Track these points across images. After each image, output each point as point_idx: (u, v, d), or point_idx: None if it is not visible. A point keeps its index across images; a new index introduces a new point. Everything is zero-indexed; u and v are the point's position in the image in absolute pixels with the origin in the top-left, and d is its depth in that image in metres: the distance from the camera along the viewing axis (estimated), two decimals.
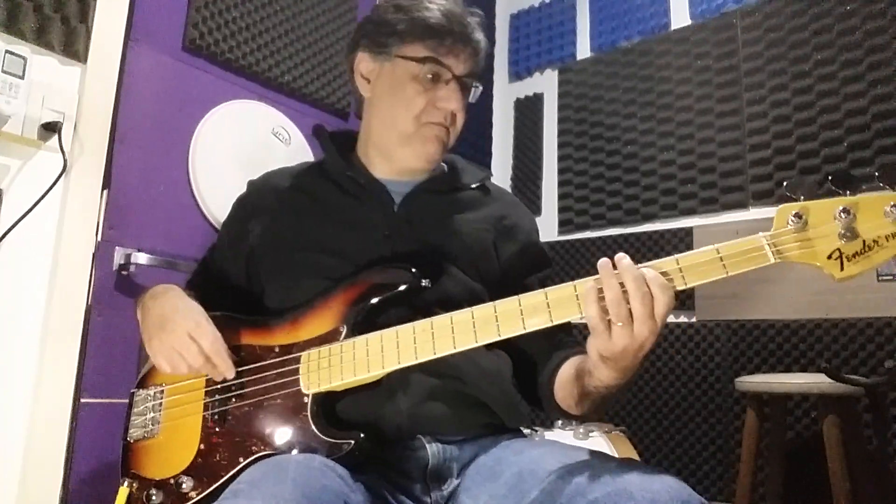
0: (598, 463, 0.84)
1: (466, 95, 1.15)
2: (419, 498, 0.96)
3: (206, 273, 1.25)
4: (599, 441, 2.02)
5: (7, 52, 1.44)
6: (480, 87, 1.17)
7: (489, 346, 1.06)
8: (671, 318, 2.74)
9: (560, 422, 2.20)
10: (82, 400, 1.56)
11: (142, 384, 1.12)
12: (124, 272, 1.67)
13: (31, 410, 1.48)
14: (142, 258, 1.68)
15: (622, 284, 0.79)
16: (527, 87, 3.47)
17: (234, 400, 1.01)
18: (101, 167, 1.65)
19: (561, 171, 3.22)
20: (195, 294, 1.13)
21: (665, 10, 3.02)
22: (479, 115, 3.32)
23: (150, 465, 1.04)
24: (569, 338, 1.10)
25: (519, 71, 3.50)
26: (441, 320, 0.90)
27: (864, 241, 0.75)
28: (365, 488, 0.86)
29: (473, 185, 1.19)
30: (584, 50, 3.28)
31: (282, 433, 0.95)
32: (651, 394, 2.71)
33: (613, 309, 0.78)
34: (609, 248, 2.90)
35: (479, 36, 1.14)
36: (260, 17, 2.10)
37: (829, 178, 0.78)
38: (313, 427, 0.93)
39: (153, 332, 1.03)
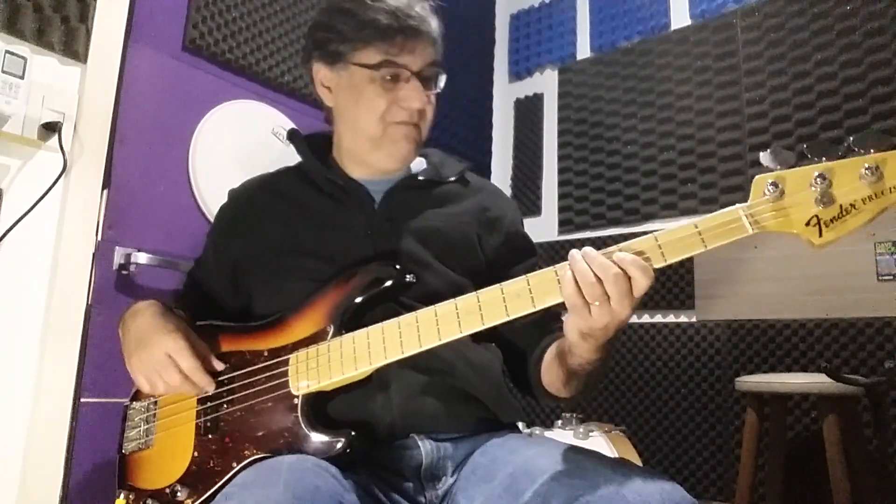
0: (591, 464, 0.83)
1: (431, 87, 1.12)
2: (413, 497, 0.96)
3: (195, 285, 1.25)
4: (599, 441, 2.03)
5: (7, 52, 1.44)
6: (444, 75, 1.14)
7: (479, 340, 1.06)
8: (671, 318, 2.75)
9: (560, 421, 2.20)
10: (82, 400, 1.56)
11: (135, 397, 1.13)
12: (124, 272, 1.67)
13: (31, 410, 1.48)
14: (142, 258, 1.68)
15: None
16: (527, 87, 3.47)
17: (225, 406, 1.01)
18: (101, 167, 1.65)
19: (561, 171, 3.22)
20: (184, 306, 1.13)
21: (665, 10, 3.02)
22: (479, 115, 3.32)
23: (146, 476, 1.05)
24: (557, 325, 1.08)
25: (519, 71, 3.50)
26: (425, 313, 0.90)
27: (840, 206, 0.75)
28: (358, 488, 0.86)
29: (452, 178, 1.19)
30: (584, 50, 3.28)
31: (274, 436, 0.95)
32: (651, 394, 2.71)
33: (587, 290, 0.79)
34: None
35: (432, 24, 1.11)
36: (260, 17, 2.10)
37: (805, 146, 0.78)
38: (305, 428, 0.93)
39: (132, 350, 1.04)
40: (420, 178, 1.17)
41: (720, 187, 2.68)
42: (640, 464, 1.82)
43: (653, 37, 3.04)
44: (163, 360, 0.99)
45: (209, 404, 1.02)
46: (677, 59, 2.92)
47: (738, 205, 0.79)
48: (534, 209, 3.26)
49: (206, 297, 1.21)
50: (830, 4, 2.51)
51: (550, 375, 1.02)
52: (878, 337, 2.24)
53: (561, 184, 3.21)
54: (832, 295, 2.34)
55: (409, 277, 0.99)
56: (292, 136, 1.21)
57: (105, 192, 1.65)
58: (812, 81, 2.51)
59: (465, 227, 1.13)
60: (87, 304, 1.59)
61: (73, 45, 1.59)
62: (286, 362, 0.99)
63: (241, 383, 1.01)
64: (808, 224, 0.76)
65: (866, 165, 0.73)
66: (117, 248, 1.67)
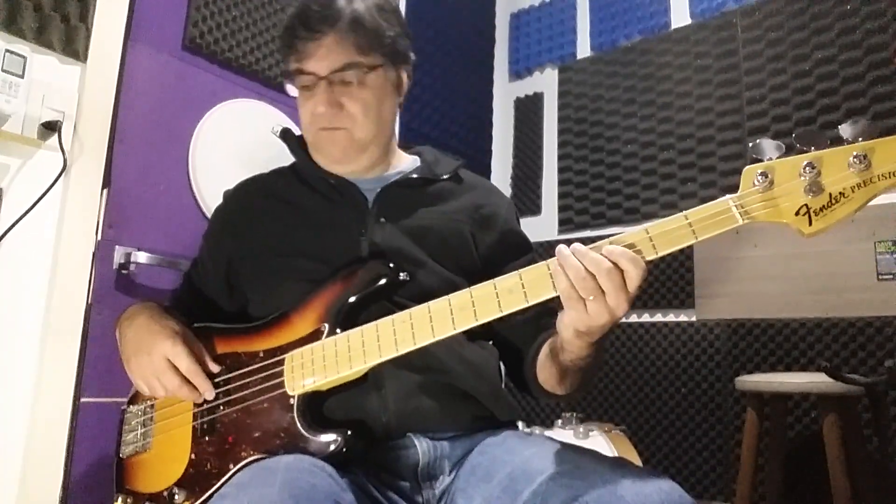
0: (590, 464, 0.83)
1: (350, 85, 1.07)
2: (410, 496, 0.96)
3: (191, 286, 1.25)
4: (599, 440, 2.03)
5: (7, 51, 1.44)
6: (375, 71, 1.08)
7: (474, 338, 1.06)
8: (671, 318, 2.75)
9: (560, 421, 2.20)
10: (82, 400, 1.56)
11: (132, 401, 1.13)
12: (124, 271, 1.67)
13: (31, 410, 1.48)
14: (142, 257, 1.68)
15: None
16: (527, 87, 3.47)
17: (222, 408, 1.01)
18: (101, 166, 1.65)
19: (561, 170, 3.22)
20: (180, 307, 1.13)
21: (665, 10, 3.02)
22: (479, 115, 3.32)
23: (144, 479, 1.05)
24: (553, 320, 1.09)
25: (519, 70, 3.50)
26: (419, 310, 0.90)
27: (830, 195, 0.75)
28: (355, 487, 0.86)
29: (445, 176, 1.18)
30: (584, 49, 3.28)
31: (270, 436, 0.95)
32: (651, 393, 2.72)
33: (580, 284, 0.78)
34: None
35: (341, 20, 1.04)
36: (260, 17, 2.10)
37: (794, 136, 0.78)
38: (301, 428, 0.93)
39: (130, 355, 1.04)
40: (413, 176, 1.16)
41: (720, 186, 2.68)
42: (639, 463, 1.82)
43: (653, 36, 3.04)
44: (162, 365, 0.99)
45: (206, 406, 1.02)
46: (677, 58, 2.92)
47: (728, 196, 0.79)
48: (534, 208, 3.26)
49: (203, 298, 1.21)
50: (830, 4, 2.51)
51: (545, 373, 1.02)
52: (879, 336, 2.24)
53: (561, 183, 3.21)
54: (832, 294, 2.35)
55: (402, 276, 0.99)
56: (285, 135, 1.20)
57: (105, 191, 1.65)
58: (812, 80, 2.51)
59: (458, 224, 1.13)
60: (87, 303, 1.59)
61: (73, 44, 1.59)
62: (282, 362, 0.98)
63: (237, 384, 1.01)
64: (797, 213, 0.76)
65: (855, 154, 0.73)
66: (117, 247, 1.66)
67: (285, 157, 1.21)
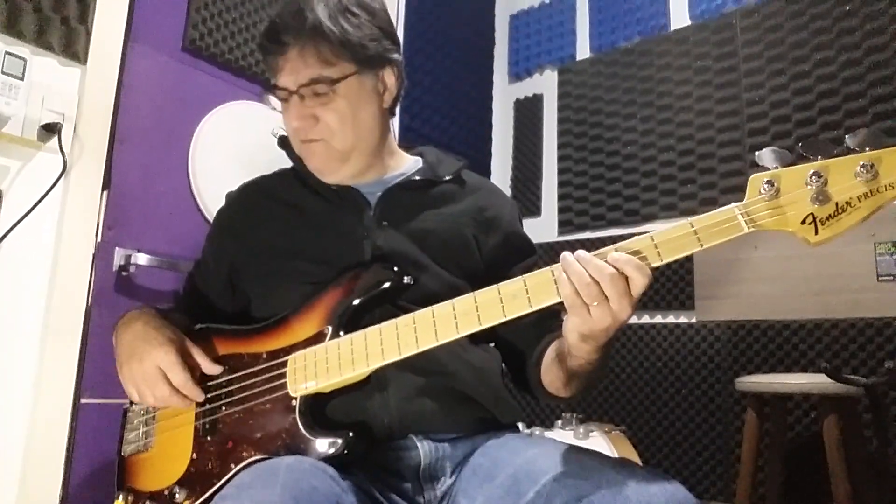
0: (594, 464, 0.83)
1: (320, 98, 1.04)
2: (412, 498, 0.96)
3: (194, 288, 1.25)
4: (599, 441, 2.03)
5: (7, 53, 1.44)
6: (345, 80, 1.04)
7: (477, 341, 1.06)
8: (671, 319, 2.75)
9: (560, 421, 2.20)
10: (82, 400, 1.56)
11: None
12: (124, 273, 1.67)
13: (31, 410, 1.48)
14: (142, 259, 1.68)
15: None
16: (526, 88, 3.47)
17: (224, 408, 1.01)
18: (101, 168, 1.65)
19: (561, 172, 3.22)
20: (183, 308, 1.13)
21: (664, 11, 3.02)
22: (479, 116, 3.32)
23: (145, 477, 1.05)
24: (556, 323, 1.07)
25: (518, 71, 3.50)
26: (423, 314, 0.90)
27: (836, 204, 0.75)
28: (357, 489, 0.86)
29: (447, 178, 1.17)
30: (583, 50, 3.28)
31: (272, 437, 0.95)
32: (651, 394, 2.71)
33: (584, 291, 0.79)
34: None
35: (304, 24, 1.01)
36: (260, 18, 2.10)
37: (800, 144, 0.78)
38: (302, 429, 0.93)
39: (123, 361, 1.04)
40: (415, 178, 1.16)
41: (720, 188, 2.68)
42: (640, 464, 1.82)
43: (652, 37, 3.04)
44: (153, 374, 0.99)
45: (208, 406, 1.02)
46: (677, 59, 2.92)
47: (733, 203, 0.80)
48: (534, 210, 3.26)
49: (205, 299, 1.21)
50: (830, 5, 2.51)
51: (550, 376, 1.02)
52: (879, 337, 2.24)
53: (561, 184, 3.21)
54: (832, 295, 2.34)
55: (406, 280, 0.99)
56: (283, 142, 1.19)
57: (105, 193, 1.65)
58: (811, 82, 2.51)
59: (461, 228, 1.13)
60: (87, 304, 1.59)
61: (73, 46, 1.59)
62: (284, 364, 0.99)
63: (239, 385, 1.01)
64: (803, 222, 0.76)
65: (861, 163, 0.73)
66: (117, 248, 1.67)
67: (285, 159, 1.21)
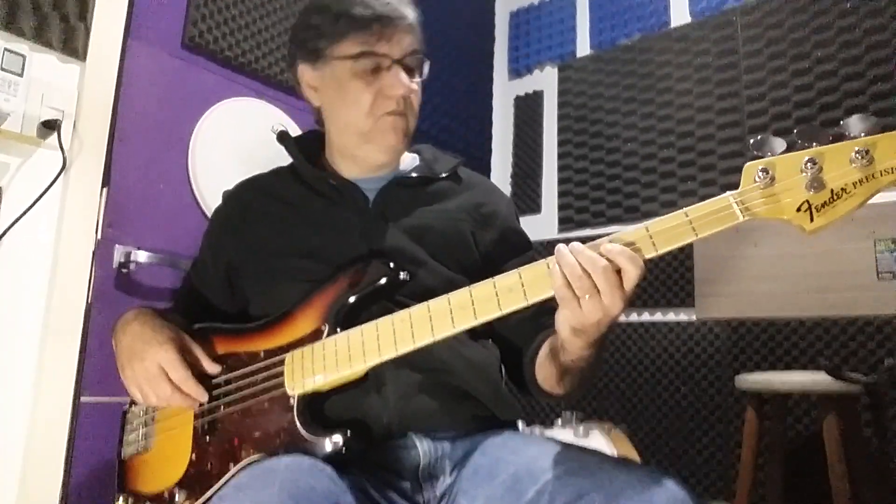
0: (595, 463, 0.83)
1: (414, 75, 1.12)
2: (411, 497, 0.96)
3: (191, 286, 1.25)
4: (599, 440, 2.03)
5: (6, 49, 1.43)
6: (428, 62, 1.15)
7: (476, 337, 1.06)
8: (671, 317, 2.75)
9: (560, 420, 2.20)
10: (82, 399, 1.55)
11: (134, 401, 1.13)
12: (124, 270, 1.66)
13: (31, 410, 1.48)
14: (141, 256, 1.68)
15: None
16: (526, 85, 3.46)
17: (223, 408, 1.01)
18: (101, 165, 1.64)
19: (561, 169, 3.22)
20: (181, 307, 1.13)
21: (665, 8, 3.02)
22: (479, 113, 3.32)
23: (145, 479, 1.05)
24: (551, 320, 1.09)
25: (519, 68, 3.49)
26: (419, 310, 0.90)
27: (831, 191, 0.74)
28: (355, 488, 0.86)
29: (444, 175, 1.18)
30: (583, 47, 3.28)
31: (270, 437, 0.95)
32: (651, 393, 2.72)
33: (576, 283, 0.78)
34: None
35: (408, 11, 1.11)
36: (259, 15, 2.09)
37: (795, 131, 0.77)
38: (300, 428, 0.93)
39: (125, 362, 1.04)
40: (413, 174, 1.16)
41: (720, 184, 2.68)
42: (640, 462, 1.82)
43: (653, 34, 3.03)
44: (155, 373, 0.99)
45: (206, 406, 1.02)
46: (677, 56, 2.91)
47: (728, 192, 0.79)
48: (534, 207, 3.26)
49: (203, 298, 1.21)
50: (830, 2, 2.51)
51: (544, 372, 1.01)
52: (878, 335, 2.24)
53: (561, 181, 3.21)
54: (832, 293, 2.34)
55: (403, 276, 0.98)
56: (282, 138, 1.19)
57: (105, 190, 1.65)
58: (812, 79, 2.51)
59: (458, 223, 1.13)
60: (87, 302, 1.59)
61: (73, 43, 1.58)
62: (282, 362, 0.98)
63: (237, 385, 1.01)
64: (798, 210, 0.76)
65: (857, 149, 0.72)
66: (117, 246, 1.66)
67: (285, 156, 1.21)
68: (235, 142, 1.96)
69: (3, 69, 1.42)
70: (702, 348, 2.62)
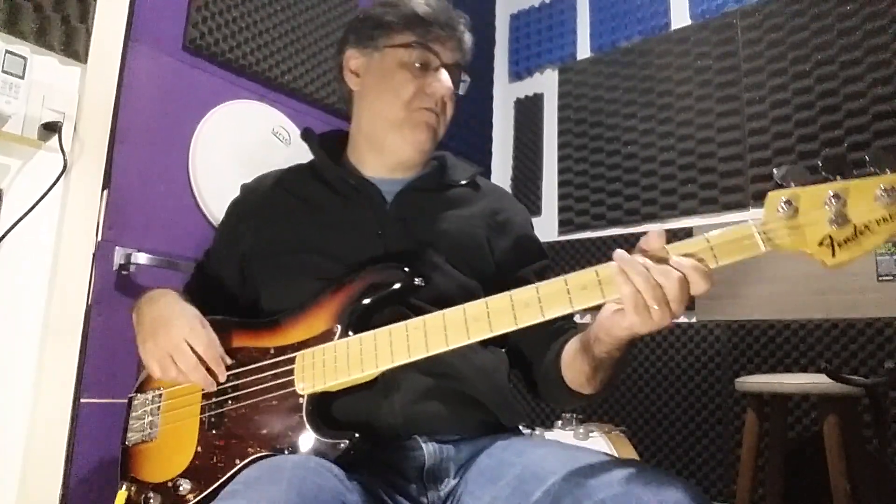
0: (602, 464, 0.83)
1: (456, 84, 1.17)
2: (416, 498, 0.96)
3: (203, 277, 1.25)
4: (599, 441, 2.02)
5: (7, 52, 1.44)
6: (468, 80, 1.19)
7: (485, 343, 1.05)
8: None
9: (560, 422, 2.20)
10: (82, 400, 1.56)
11: (140, 388, 1.13)
12: (124, 272, 1.67)
13: (31, 410, 1.48)
14: (142, 258, 1.68)
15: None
16: (527, 87, 3.47)
17: (230, 402, 1.01)
18: (102, 167, 1.65)
19: (561, 171, 3.22)
20: (192, 298, 1.13)
21: (665, 10, 3.02)
22: (479, 115, 3.32)
23: (149, 468, 1.05)
24: (567, 324, 1.08)
25: (519, 71, 3.50)
26: (433, 318, 0.90)
27: (854, 227, 0.73)
28: (361, 488, 0.86)
29: (463, 182, 1.19)
30: (584, 50, 3.28)
31: (278, 434, 0.95)
32: (651, 394, 2.71)
33: (648, 293, 0.77)
34: (609, 248, 2.88)
35: (465, 30, 1.19)
36: (260, 17, 2.10)
37: (820, 163, 0.76)
38: (309, 428, 0.93)
39: (147, 335, 1.03)
40: (432, 180, 1.17)
41: (720, 188, 2.68)
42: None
43: (653, 37, 3.04)
44: (179, 345, 0.98)
45: (214, 399, 1.02)
46: (677, 59, 2.92)
47: (750, 221, 0.78)
48: (534, 209, 3.26)
49: (214, 290, 1.21)
50: (831, 4, 2.51)
51: (574, 370, 1.00)
52: (879, 337, 2.24)
53: (561, 184, 3.21)
54: (832, 295, 2.34)
55: (417, 281, 0.99)
56: (306, 135, 1.21)
57: (105, 192, 1.65)
58: (812, 82, 2.51)
59: (475, 229, 1.14)
60: (87, 304, 1.59)
61: (74, 45, 1.59)
62: (292, 361, 0.98)
63: (246, 380, 1.01)
64: (821, 244, 0.75)
65: (882, 186, 0.71)
66: (117, 248, 1.66)
67: (286, 160, 1.21)
68: (236, 144, 1.97)
69: (4, 71, 1.43)
70: (702, 350, 2.62)
